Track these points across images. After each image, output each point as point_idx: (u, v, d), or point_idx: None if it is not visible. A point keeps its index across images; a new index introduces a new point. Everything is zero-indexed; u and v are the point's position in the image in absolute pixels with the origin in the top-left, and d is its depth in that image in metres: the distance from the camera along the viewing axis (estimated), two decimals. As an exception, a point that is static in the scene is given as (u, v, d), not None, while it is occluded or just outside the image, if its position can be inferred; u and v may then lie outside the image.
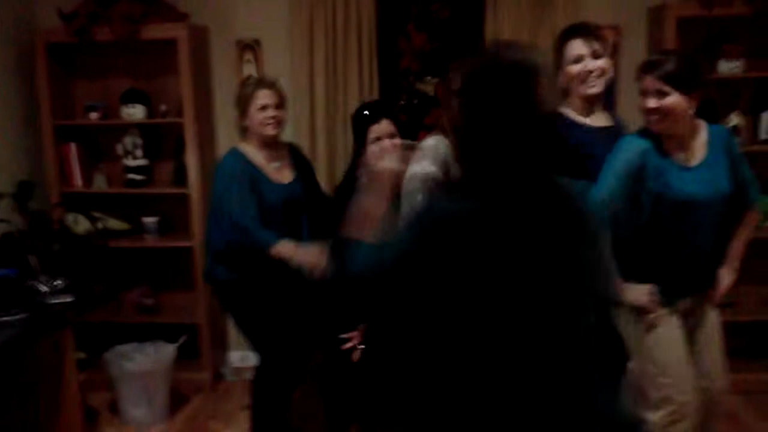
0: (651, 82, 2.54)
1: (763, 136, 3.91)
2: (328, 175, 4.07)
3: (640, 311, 2.66)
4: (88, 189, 4.20)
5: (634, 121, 3.71)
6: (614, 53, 3.88)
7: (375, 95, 4.05)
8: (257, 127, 3.19)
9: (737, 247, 2.83)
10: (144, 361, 3.80)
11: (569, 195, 1.83)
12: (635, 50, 4.01)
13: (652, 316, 2.66)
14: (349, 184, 3.06)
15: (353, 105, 3.96)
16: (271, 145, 3.26)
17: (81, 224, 4.10)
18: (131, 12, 3.81)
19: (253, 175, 3.16)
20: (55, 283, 3.21)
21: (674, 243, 2.63)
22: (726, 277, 2.84)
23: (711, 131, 2.69)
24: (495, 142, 1.67)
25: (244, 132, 3.26)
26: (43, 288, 3.17)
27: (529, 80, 1.65)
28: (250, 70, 4.15)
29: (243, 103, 3.21)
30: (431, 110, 3.89)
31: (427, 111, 3.88)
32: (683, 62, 2.55)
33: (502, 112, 1.64)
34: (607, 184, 2.58)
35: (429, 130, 3.74)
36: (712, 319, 2.85)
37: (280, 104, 3.24)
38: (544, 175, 1.75)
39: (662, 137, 2.60)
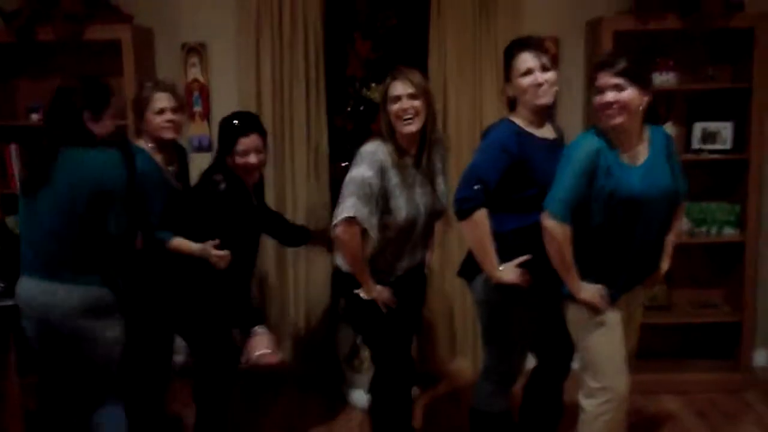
0: (608, 77, 2.64)
1: (695, 145, 4.06)
2: (276, 179, 4.09)
3: (590, 309, 2.76)
4: (28, 191, 4.12)
5: (572, 130, 3.86)
6: (555, 65, 3.99)
7: (321, 101, 4.08)
8: (154, 130, 3.22)
9: (671, 238, 2.95)
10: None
11: None
12: (574, 62, 4.13)
13: (601, 314, 2.76)
14: (203, 189, 3.14)
15: (300, 110, 4.01)
16: (166, 148, 3.29)
17: (22, 226, 4.03)
18: (74, 11, 3.76)
19: (164, 177, 3.24)
20: (-3, 285, 3.17)
21: (623, 240, 2.73)
22: (664, 266, 2.97)
23: (652, 132, 2.81)
24: None
25: (138, 135, 3.30)
26: (-17, 290, 3.12)
27: None
28: (195, 73, 4.15)
29: (140, 106, 3.24)
30: (377, 117, 3.92)
31: (373, 118, 3.92)
32: (636, 59, 2.68)
33: None
34: (566, 184, 2.66)
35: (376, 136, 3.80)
36: (638, 314, 3.00)
37: (178, 108, 3.26)
38: None
39: (612, 136, 2.70)
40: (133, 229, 2.99)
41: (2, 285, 3.20)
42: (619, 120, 2.64)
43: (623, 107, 2.62)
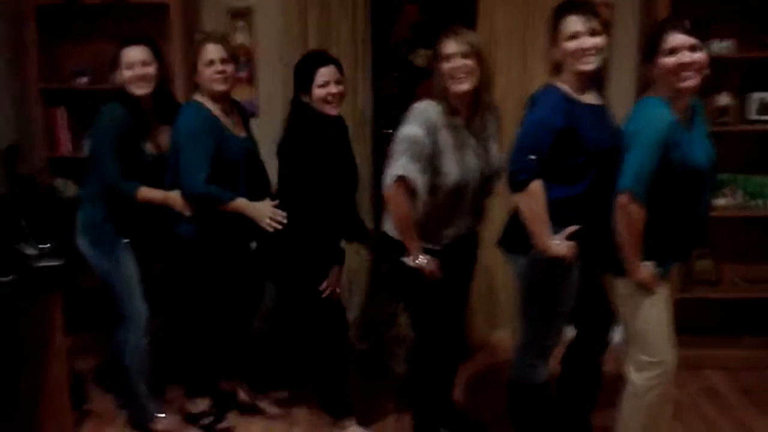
0: (684, 38, 2.55)
1: (751, 116, 3.93)
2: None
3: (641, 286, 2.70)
4: (77, 154, 4.16)
5: (624, 98, 3.77)
6: (608, 31, 3.89)
7: (367, 65, 4.04)
8: (206, 82, 3.20)
9: None
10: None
11: None
12: (627, 28, 4.02)
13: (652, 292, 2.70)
14: (293, 137, 3.13)
15: (346, 76, 3.96)
16: (223, 99, 3.28)
17: (70, 189, 4.09)
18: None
19: (217, 127, 3.20)
20: (43, 246, 3.21)
21: (678, 212, 2.67)
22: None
23: (691, 100, 2.72)
24: None
25: (196, 87, 3.28)
26: (31, 251, 3.16)
27: None
28: (241, 37, 4.13)
29: (192, 59, 3.24)
30: (422, 83, 3.87)
31: (418, 83, 3.86)
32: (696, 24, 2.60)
33: None
34: (643, 161, 2.57)
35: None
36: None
37: (228, 59, 3.23)
38: None
39: (675, 104, 2.61)
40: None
41: (52, 245, 3.24)
42: (696, 82, 2.56)
43: (700, 69, 2.55)
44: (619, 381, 2.92)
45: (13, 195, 3.76)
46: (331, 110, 3.16)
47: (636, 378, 2.78)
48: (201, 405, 3.49)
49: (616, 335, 3.16)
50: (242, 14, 4.13)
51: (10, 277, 2.96)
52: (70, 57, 4.21)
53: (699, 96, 2.81)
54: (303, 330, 3.48)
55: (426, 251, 2.95)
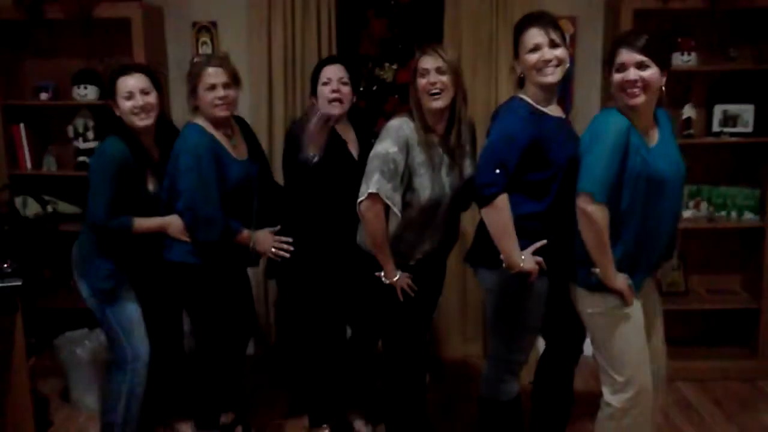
0: (631, 54, 2.55)
1: (716, 128, 3.97)
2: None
3: (614, 300, 2.66)
4: (37, 171, 4.09)
5: (589, 110, 3.80)
6: (571, 44, 3.92)
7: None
8: (207, 107, 3.06)
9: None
10: (95, 347, 3.73)
11: None
12: (592, 42, 4.05)
13: (627, 305, 2.67)
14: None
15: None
16: (225, 123, 3.15)
17: (30, 207, 4.01)
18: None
19: (218, 152, 3.06)
20: (2, 266, 3.13)
21: (645, 223, 2.64)
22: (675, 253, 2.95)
23: (657, 113, 2.73)
24: None
25: (194, 111, 3.13)
26: (-9, 271, 3.08)
27: None
28: (206, 52, 4.07)
29: (192, 82, 3.09)
30: (389, 97, 3.86)
31: (385, 98, 3.85)
32: (657, 38, 2.60)
33: None
34: (602, 164, 2.55)
35: (387, 117, 3.73)
36: (657, 303, 2.91)
37: (230, 83, 3.09)
38: None
39: (630, 116, 2.60)
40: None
41: (14, 264, 3.15)
42: (641, 99, 2.56)
43: (646, 86, 2.54)
44: (591, 394, 2.91)
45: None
46: (333, 110, 3.14)
47: (611, 400, 2.73)
48: None
49: (587, 347, 3.15)
50: (207, 28, 4.08)
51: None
52: (31, 72, 4.13)
53: (665, 109, 2.82)
54: (302, 335, 3.40)
55: (399, 266, 2.93)
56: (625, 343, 2.70)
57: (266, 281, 4.01)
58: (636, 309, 2.69)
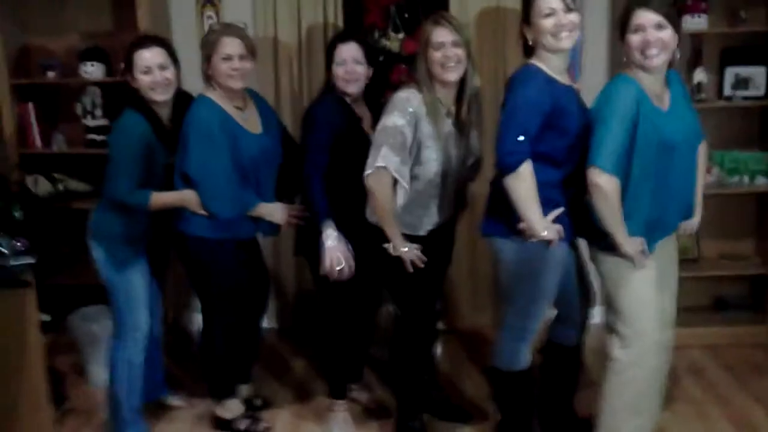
0: (649, 15, 2.55)
1: (727, 92, 3.92)
2: (294, 132, 4.01)
3: (629, 261, 2.68)
4: (47, 150, 4.11)
5: (597, 77, 3.76)
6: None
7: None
8: (220, 78, 3.03)
9: (701, 181, 2.91)
10: (109, 324, 3.75)
11: None
12: (598, 7, 4.00)
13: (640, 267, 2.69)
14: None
15: (318, 62, 3.91)
16: (237, 95, 3.12)
17: (41, 186, 4.03)
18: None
19: (230, 125, 3.03)
20: (15, 244, 3.15)
21: (659, 187, 2.64)
22: (697, 216, 2.96)
23: (668, 76, 2.71)
24: None
25: (207, 80, 3.09)
26: (3, 250, 3.10)
27: None
28: (213, 24, 4.05)
29: (207, 51, 3.04)
30: (395, 67, 3.82)
31: (391, 68, 3.82)
32: (668, 1, 2.60)
33: None
34: (612, 134, 2.55)
35: (394, 88, 3.70)
36: (673, 265, 2.92)
37: (246, 55, 3.05)
38: None
39: (644, 81, 2.60)
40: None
41: (27, 243, 3.18)
42: (661, 60, 2.56)
43: (665, 46, 2.54)
44: (599, 363, 2.91)
45: (-17, 193, 3.70)
46: (350, 87, 3.10)
47: (619, 354, 2.76)
48: (234, 408, 3.39)
49: (596, 316, 3.15)
50: (211, 2, 4.06)
51: (-19, 276, 2.91)
52: (37, 51, 4.13)
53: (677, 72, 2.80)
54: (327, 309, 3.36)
55: (407, 238, 2.93)
56: (636, 297, 2.72)
57: (296, 259, 3.98)
58: (649, 266, 2.71)
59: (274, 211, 3.16)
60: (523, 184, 2.63)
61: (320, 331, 3.46)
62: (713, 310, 4.23)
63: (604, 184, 2.55)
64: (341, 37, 3.17)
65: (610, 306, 2.81)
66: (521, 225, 2.69)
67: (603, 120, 2.57)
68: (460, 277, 4.25)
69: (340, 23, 3.98)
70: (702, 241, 4.16)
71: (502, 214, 2.75)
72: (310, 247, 3.16)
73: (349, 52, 3.08)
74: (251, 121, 3.16)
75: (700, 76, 3.88)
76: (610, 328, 2.82)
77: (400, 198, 2.87)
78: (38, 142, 4.09)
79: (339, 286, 3.13)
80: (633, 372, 2.75)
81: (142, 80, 3.00)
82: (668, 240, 2.85)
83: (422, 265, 2.94)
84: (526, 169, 2.61)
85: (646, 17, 2.55)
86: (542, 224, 2.66)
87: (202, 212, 3.04)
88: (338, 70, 3.08)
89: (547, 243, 2.69)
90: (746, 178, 3.97)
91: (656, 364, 2.79)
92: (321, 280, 3.17)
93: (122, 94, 3.13)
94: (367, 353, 3.57)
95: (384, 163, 2.76)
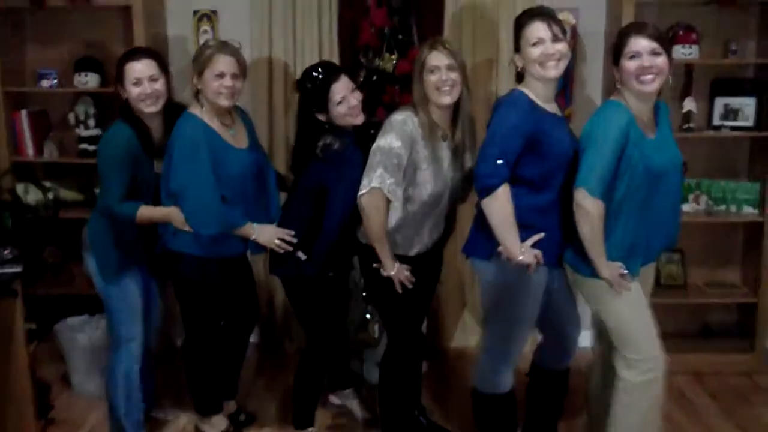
0: (645, 41, 2.60)
1: (716, 121, 3.95)
2: (286, 148, 4.03)
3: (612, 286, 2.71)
4: (39, 158, 4.09)
5: (590, 103, 3.80)
6: (573, 36, 3.91)
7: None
8: (210, 94, 3.02)
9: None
10: (95, 334, 3.75)
11: None
12: (593, 34, 4.03)
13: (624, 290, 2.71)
14: (309, 154, 3.03)
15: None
16: (224, 112, 3.11)
17: (32, 194, 4.02)
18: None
19: (216, 142, 3.03)
20: (3, 253, 3.15)
21: (643, 213, 2.67)
22: None
23: (657, 105, 2.77)
24: None
25: (195, 96, 3.08)
26: (-8, 258, 3.11)
27: None
28: (207, 40, 4.04)
29: (199, 66, 3.03)
30: (387, 88, 3.84)
31: (383, 89, 3.83)
32: (662, 30, 2.67)
33: None
34: (601, 159, 2.59)
35: (387, 107, 3.73)
36: (650, 286, 2.97)
37: (239, 74, 3.06)
38: None
39: (634, 108, 2.65)
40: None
41: (15, 251, 3.17)
42: (655, 86, 2.61)
43: (659, 73, 2.59)
44: (582, 386, 2.92)
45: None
46: (356, 120, 3.06)
47: (627, 375, 2.77)
48: (219, 424, 3.39)
49: (583, 339, 3.16)
50: (208, 16, 4.08)
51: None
52: (33, 59, 4.14)
53: (665, 102, 2.84)
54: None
55: (397, 258, 2.94)
56: (627, 321, 2.76)
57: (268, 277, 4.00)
58: (636, 290, 2.74)
59: (262, 233, 3.10)
60: (500, 207, 2.66)
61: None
62: (700, 337, 4.24)
63: (590, 207, 2.59)
64: (329, 74, 3.02)
65: (611, 332, 2.82)
66: (499, 248, 2.71)
67: (594, 144, 2.61)
68: (448, 297, 4.26)
69: (335, 43, 4.01)
70: (689, 268, 4.18)
71: (484, 237, 2.78)
72: (283, 268, 3.16)
73: (345, 86, 3.01)
74: (239, 137, 3.17)
75: (689, 105, 3.91)
76: (613, 353, 2.83)
77: (393, 219, 2.89)
78: (30, 150, 4.08)
79: (318, 307, 3.16)
80: (642, 393, 2.77)
81: (132, 91, 3.01)
82: (650, 266, 2.89)
83: (411, 286, 2.95)
84: (504, 191, 2.65)
85: (643, 43, 2.60)
86: (519, 248, 2.68)
87: (187, 229, 3.03)
88: (341, 109, 3.00)
89: (526, 267, 2.70)
90: (734, 208, 4.00)
91: (661, 389, 2.80)
92: (296, 300, 3.19)
93: (116, 105, 3.14)
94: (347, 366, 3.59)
95: (378, 184, 2.78)
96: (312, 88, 3.02)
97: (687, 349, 4.08)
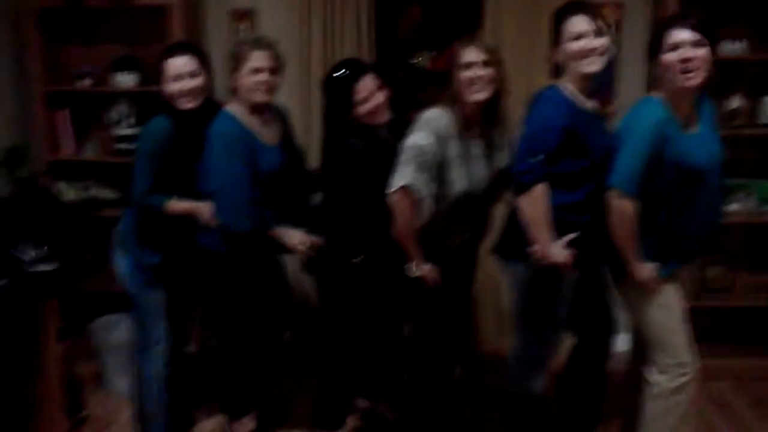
0: (686, 33, 2.51)
1: (763, 119, 3.83)
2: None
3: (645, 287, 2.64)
4: (79, 157, 4.14)
5: (634, 100, 3.69)
6: (617, 31, 3.82)
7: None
8: (246, 91, 2.99)
9: None
10: (129, 332, 3.75)
11: None
12: (638, 29, 3.94)
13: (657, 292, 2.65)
14: (341, 155, 2.98)
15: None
16: (262, 109, 3.08)
17: (71, 192, 4.06)
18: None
19: (250, 140, 3.01)
20: (39, 251, 3.17)
21: (682, 212, 2.61)
22: None
23: (702, 101, 2.68)
24: None
25: (232, 92, 3.06)
26: (27, 256, 3.12)
27: None
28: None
29: (235, 62, 3.01)
30: (426, 86, 3.79)
31: (421, 86, 3.79)
32: (703, 20, 2.56)
33: None
34: (634, 158, 2.53)
35: (423, 105, 3.67)
36: (686, 288, 2.90)
37: (275, 69, 3.02)
38: None
39: (674, 103, 2.57)
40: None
41: (48, 249, 3.19)
42: (698, 79, 2.51)
43: (702, 65, 2.49)
44: (625, 392, 2.84)
45: (13, 198, 3.73)
46: (380, 118, 3.01)
47: (661, 379, 2.71)
48: (248, 425, 3.36)
49: (620, 343, 3.07)
50: (245, 15, 4.08)
51: (4, 282, 2.91)
52: (72, 59, 4.17)
53: (710, 98, 2.75)
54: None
55: (429, 257, 2.89)
56: (663, 325, 2.69)
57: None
58: (671, 293, 2.68)
59: (291, 237, 3.07)
60: (536, 205, 2.60)
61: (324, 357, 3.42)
62: (743, 341, 4.10)
63: (622, 207, 2.54)
64: (353, 72, 3.00)
65: (641, 335, 2.77)
66: (532, 248, 2.64)
67: (625, 142, 2.55)
68: (483, 299, 4.19)
69: (373, 41, 3.97)
70: (736, 271, 4.05)
71: (516, 237, 2.72)
72: (321, 267, 3.12)
73: (369, 85, 2.98)
74: (273, 135, 3.14)
75: (736, 102, 3.80)
76: (645, 357, 2.77)
77: (424, 217, 2.84)
78: (70, 148, 4.12)
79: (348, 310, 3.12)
80: (676, 398, 2.71)
81: (171, 87, 3.00)
82: (688, 268, 2.83)
83: (441, 285, 2.90)
84: (540, 189, 2.59)
85: (684, 35, 2.52)
86: (553, 247, 2.61)
87: (213, 224, 3.01)
88: (365, 107, 2.96)
89: (559, 268, 2.63)
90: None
91: (694, 388, 2.74)
92: (328, 302, 3.14)
93: (154, 103, 3.14)
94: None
95: (409, 181, 2.73)
96: (336, 87, 2.99)
97: (731, 354, 3.96)
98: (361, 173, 2.98)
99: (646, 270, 2.61)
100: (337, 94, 3.00)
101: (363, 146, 2.94)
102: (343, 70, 3.01)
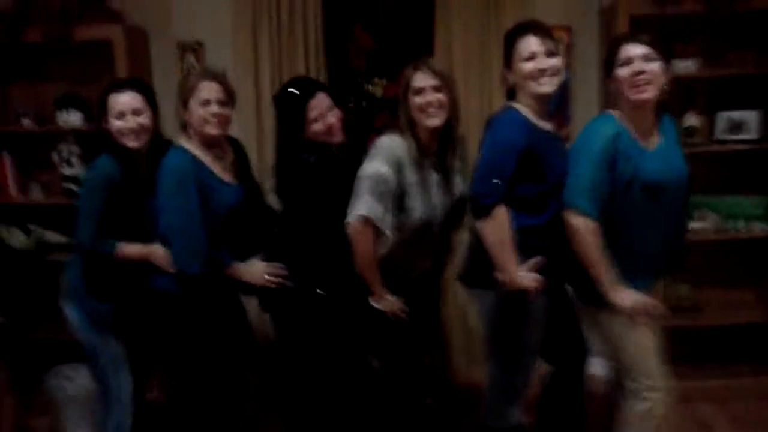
0: (637, 47, 2.51)
1: (719, 136, 3.84)
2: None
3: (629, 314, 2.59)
4: (23, 200, 3.99)
5: (587, 120, 3.67)
6: (567, 54, 3.81)
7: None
8: (198, 124, 2.87)
9: None
10: (86, 382, 3.60)
11: None
12: (587, 51, 3.95)
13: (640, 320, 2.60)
14: (295, 171, 2.89)
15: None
16: (215, 143, 2.96)
17: (16, 237, 3.90)
18: (64, 8, 3.61)
19: (204, 176, 2.87)
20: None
21: (643, 230, 2.57)
22: None
23: (663, 118, 2.67)
24: None
25: (183, 127, 2.94)
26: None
27: None
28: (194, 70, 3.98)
29: (184, 95, 2.89)
30: (378, 113, 3.75)
31: (374, 114, 3.74)
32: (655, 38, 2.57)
33: None
34: (586, 174, 2.50)
35: (378, 132, 3.62)
36: None
37: (226, 101, 2.91)
38: None
39: (630, 119, 2.55)
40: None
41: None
42: (650, 94, 2.50)
43: (653, 79, 2.48)
44: (605, 414, 2.82)
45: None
46: (334, 138, 2.94)
47: (628, 404, 2.68)
48: None
49: (594, 367, 3.01)
50: (192, 49, 3.99)
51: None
52: (13, 98, 4.05)
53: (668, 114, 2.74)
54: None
55: (390, 287, 2.81)
56: (640, 348, 2.65)
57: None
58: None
59: (252, 272, 2.95)
60: (498, 228, 2.54)
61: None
62: (714, 361, 4.06)
63: (578, 225, 2.50)
64: (305, 93, 2.93)
65: (616, 360, 2.73)
66: (497, 273, 2.57)
67: (577, 159, 2.53)
68: (452, 329, 4.11)
69: (323, 69, 3.91)
70: (700, 289, 4.03)
71: (481, 264, 2.64)
72: (277, 304, 3.01)
73: (321, 103, 2.91)
74: (230, 171, 3.02)
75: (691, 119, 3.81)
76: (618, 382, 2.73)
77: (383, 247, 2.76)
78: (14, 191, 3.98)
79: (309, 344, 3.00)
80: (648, 421, 2.66)
81: (115, 125, 2.89)
82: (653, 286, 2.75)
83: (404, 318, 2.82)
84: (501, 211, 2.53)
85: (635, 50, 2.51)
86: (518, 272, 2.54)
87: (169, 269, 2.87)
88: (317, 126, 2.90)
89: (527, 293, 2.56)
90: (742, 224, 3.86)
91: (668, 409, 2.70)
92: (286, 338, 3.03)
93: (99, 141, 3.02)
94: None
95: (366, 211, 2.65)
96: (289, 104, 2.91)
97: (704, 374, 3.91)
98: (316, 189, 2.88)
99: (626, 297, 2.55)
100: (289, 110, 2.92)
101: (317, 160, 2.85)
102: (295, 88, 2.93)
